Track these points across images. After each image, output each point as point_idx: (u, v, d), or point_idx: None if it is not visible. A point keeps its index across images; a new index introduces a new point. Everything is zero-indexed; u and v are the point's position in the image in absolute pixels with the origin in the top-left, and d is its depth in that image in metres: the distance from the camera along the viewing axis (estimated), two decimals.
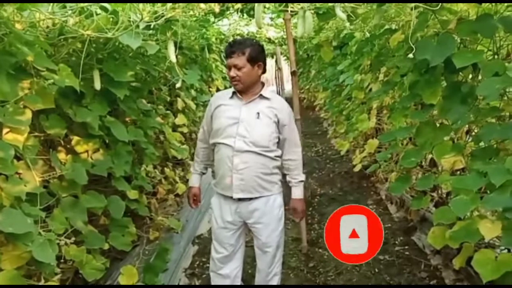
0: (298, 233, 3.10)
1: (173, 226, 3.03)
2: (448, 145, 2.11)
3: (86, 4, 1.74)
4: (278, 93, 8.75)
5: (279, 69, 9.08)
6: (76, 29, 1.81)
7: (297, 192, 2.11)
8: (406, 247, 2.92)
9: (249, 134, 1.96)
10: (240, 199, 2.02)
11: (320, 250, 3.00)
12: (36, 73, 1.77)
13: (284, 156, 2.06)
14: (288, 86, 10.07)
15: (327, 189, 4.40)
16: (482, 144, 1.96)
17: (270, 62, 12.54)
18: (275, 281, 2.20)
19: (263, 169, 1.99)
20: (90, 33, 1.83)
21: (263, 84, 2.06)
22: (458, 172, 2.26)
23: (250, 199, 2.02)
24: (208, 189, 3.29)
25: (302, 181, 2.11)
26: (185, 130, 4.10)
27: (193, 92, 4.42)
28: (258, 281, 2.23)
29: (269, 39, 5.65)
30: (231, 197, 2.02)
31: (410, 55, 1.86)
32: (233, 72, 1.96)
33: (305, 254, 2.94)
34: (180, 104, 3.98)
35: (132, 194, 2.63)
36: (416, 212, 3.18)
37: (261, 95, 2.02)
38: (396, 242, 3.03)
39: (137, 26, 2.05)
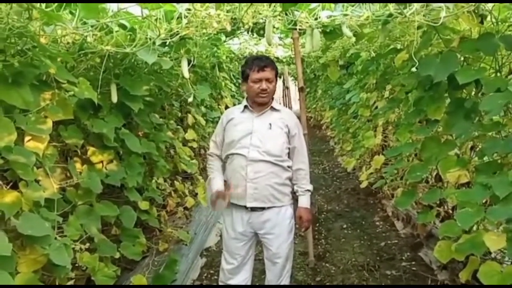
0: (305, 247, 3.12)
1: (182, 238, 3.06)
2: (453, 159, 2.17)
3: (106, 20, 1.85)
4: None
5: (286, 88, 9.23)
6: (96, 44, 1.92)
7: (304, 201, 2.15)
8: (413, 262, 2.93)
9: (262, 144, 2.04)
10: (252, 209, 2.07)
11: (327, 265, 3.01)
12: (57, 85, 1.87)
13: (293, 166, 2.12)
14: (295, 106, 10.18)
15: (333, 205, 4.42)
16: (486, 158, 2.00)
17: (278, 82, 12.75)
18: None
19: (276, 179, 2.05)
20: (110, 48, 1.94)
21: (273, 98, 2.15)
22: (463, 187, 2.29)
23: (263, 208, 2.07)
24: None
25: (309, 190, 2.15)
26: (194, 145, 4.17)
27: (203, 109, 4.52)
28: None
29: (277, 58, 5.77)
30: (244, 207, 2.07)
31: (414, 70, 1.93)
32: (265, 85, 2.06)
33: (312, 268, 2.96)
34: (190, 120, 4.08)
35: (143, 205, 2.69)
36: (422, 228, 3.19)
37: (272, 107, 2.11)
38: (403, 257, 3.04)
39: (154, 43, 2.16)
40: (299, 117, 2.28)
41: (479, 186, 1.80)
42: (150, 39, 2.11)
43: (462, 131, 2.00)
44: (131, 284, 2.33)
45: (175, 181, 3.69)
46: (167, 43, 2.30)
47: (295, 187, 2.15)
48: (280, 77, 12.16)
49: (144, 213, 2.73)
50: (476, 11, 1.75)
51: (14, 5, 1.39)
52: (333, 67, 4.65)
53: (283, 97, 10.05)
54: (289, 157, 2.12)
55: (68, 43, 2.00)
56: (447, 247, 2.26)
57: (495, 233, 1.79)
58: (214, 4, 2.06)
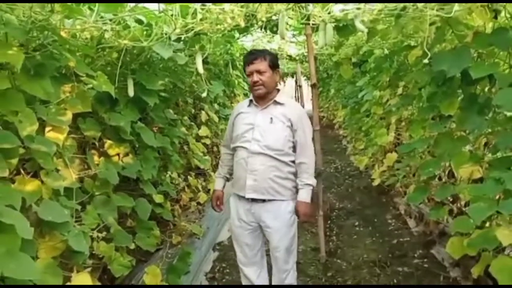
0: (317, 243, 3.13)
1: (195, 231, 3.11)
2: (466, 155, 2.16)
3: (124, 15, 1.90)
4: None
5: (299, 86, 9.22)
6: (114, 39, 1.98)
7: (302, 195, 2.12)
8: (425, 260, 2.92)
9: (263, 138, 2.08)
10: (253, 200, 2.11)
11: (338, 261, 3.03)
12: (76, 79, 1.93)
13: (296, 160, 2.12)
14: (308, 105, 10.16)
15: (345, 203, 4.42)
16: (499, 154, 2.00)
17: (291, 81, 12.71)
18: None
19: (276, 172, 2.08)
20: (127, 42, 1.99)
21: (278, 91, 2.17)
22: (476, 183, 2.28)
23: (263, 201, 2.10)
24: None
25: (309, 184, 2.13)
26: (207, 141, 4.23)
27: (216, 106, 4.57)
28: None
29: (290, 56, 5.79)
30: (245, 197, 2.11)
31: (427, 66, 1.93)
32: (256, 77, 2.09)
33: (323, 264, 2.97)
34: (203, 117, 4.13)
35: (158, 198, 2.74)
36: (435, 225, 3.18)
37: (275, 101, 2.13)
38: (415, 255, 3.03)
39: (169, 38, 2.21)
40: (311, 116, 2.30)
41: (492, 181, 1.79)
42: (165, 34, 2.17)
43: (475, 126, 2.00)
44: (146, 273, 2.38)
45: (188, 177, 3.74)
46: (182, 39, 2.35)
47: (297, 180, 2.14)
48: (293, 77, 12.17)
49: (158, 207, 2.79)
50: (489, 5, 1.74)
51: None
52: (346, 65, 4.64)
53: (295, 96, 10.05)
54: (294, 151, 2.13)
55: (86, 38, 2.07)
56: (460, 243, 2.26)
57: (508, 228, 1.78)
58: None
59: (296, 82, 9.54)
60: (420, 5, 1.59)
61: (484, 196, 1.80)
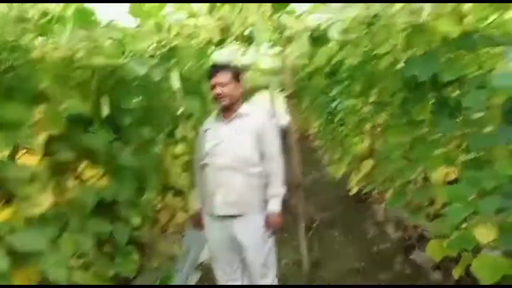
0: (299, 256, 3.12)
1: (176, 253, 3.03)
2: (440, 158, 2.23)
3: (97, 33, 1.86)
4: None
5: (273, 99, 9.29)
6: (88, 57, 1.93)
7: (271, 206, 2.09)
8: (406, 265, 2.96)
9: (229, 151, 2.07)
10: (224, 216, 2.07)
11: (321, 272, 3.02)
12: (49, 99, 1.87)
13: (264, 169, 2.10)
14: (282, 119, 10.22)
15: (324, 214, 4.45)
16: (472, 155, 2.07)
17: (264, 95, 12.79)
18: None
19: (246, 184, 2.05)
20: (101, 60, 1.96)
21: (242, 102, 2.18)
22: (451, 184, 2.34)
23: (234, 216, 2.06)
24: None
25: (279, 194, 2.10)
26: (185, 159, 4.16)
27: (192, 122, 4.52)
28: None
29: (264, 69, 5.84)
30: (215, 214, 2.08)
31: (399, 71, 1.99)
32: (218, 90, 2.09)
33: (306, 276, 2.96)
34: (180, 134, 4.07)
35: (135, 220, 2.66)
36: (413, 231, 3.24)
37: (239, 112, 2.14)
38: (396, 260, 3.06)
39: (143, 54, 2.19)
40: (287, 129, 2.31)
41: (467, 181, 1.85)
42: (140, 50, 2.14)
43: (447, 129, 2.08)
44: None
45: (166, 196, 3.66)
46: (157, 55, 2.34)
47: (267, 190, 2.12)
48: (264, 90, 12.27)
49: (136, 229, 2.70)
50: (456, 11, 1.82)
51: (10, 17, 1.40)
52: (319, 76, 4.74)
53: (269, 109, 10.10)
54: (262, 160, 2.10)
55: (59, 58, 2.01)
56: (439, 245, 2.31)
57: (485, 227, 1.84)
58: (203, 12, 2.10)
59: (270, 95, 9.61)
60: (391, 11, 1.64)
61: (460, 196, 1.86)
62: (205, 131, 2.22)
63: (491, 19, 2.03)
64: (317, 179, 6.23)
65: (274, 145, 2.14)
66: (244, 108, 2.16)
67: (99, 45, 2.03)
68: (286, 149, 3.64)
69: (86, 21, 1.74)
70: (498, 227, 1.73)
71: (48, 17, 1.73)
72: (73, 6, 1.70)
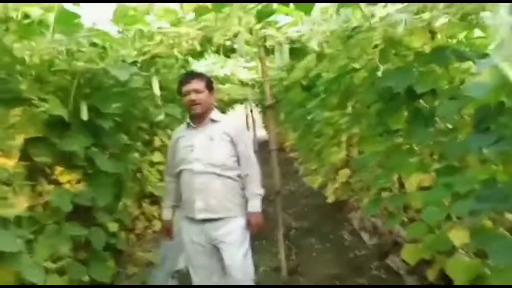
0: (278, 263, 3.14)
1: (152, 260, 2.99)
2: (414, 165, 2.32)
3: (80, 36, 1.86)
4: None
5: (251, 111, 9.38)
6: (69, 61, 1.92)
7: (252, 206, 2.13)
8: (382, 270, 3.02)
9: (204, 156, 2.09)
10: (204, 220, 2.09)
11: (300, 278, 3.04)
12: (27, 102, 1.84)
13: (242, 172, 2.14)
14: (260, 132, 10.24)
15: (302, 222, 4.48)
16: (445, 163, 2.16)
17: (241, 108, 12.83)
18: None
19: (223, 188, 2.09)
20: (82, 64, 1.95)
21: (213, 110, 2.21)
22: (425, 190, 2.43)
23: (213, 220, 2.09)
24: None
25: (258, 194, 2.15)
26: (161, 167, 4.14)
27: (169, 132, 4.51)
28: None
29: (242, 81, 5.91)
30: (195, 219, 2.09)
31: (373, 84, 2.07)
32: (194, 96, 2.11)
33: (285, 283, 2.97)
34: (157, 142, 4.06)
35: (112, 226, 2.62)
36: (388, 237, 3.32)
37: (211, 119, 2.17)
38: (372, 266, 3.12)
39: (124, 61, 2.19)
40: (265, 141, 2.34)
41: (441, 186, 1.92)
42: (122, 56, 2.15)
43: (422, 138, 2.16)
44: None
45: (143, 204, 3.62)
46: (139, 61, 2.35)
47: (245, 192, 2.15)
48: (242, 103, 12.34)
49: (112, 236, 2.66)
50: (428, 27, 1.93)
51: None
52: (296, 89, 4.83)
53: (246, 122, 10.19)
54: (238, 165, 2.14)
55: (39, 60, 1.99)
56: (414, 249, 2.39)
57: (460, 229, 1.92)
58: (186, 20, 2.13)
59: (246, 108, 9.70)
60: (369, 25, 1.72)
61: (435, 200, 1.94)
62: (178, 138, 2.23)
63: (460, 36, 2.15)
64: (294, 190, 6.28)
65: (248, 148, 2.18)
66: (215, 114, 2.19)
67: (80, 49, 2.03)
68: (264, 159, 3.68)
69: (69, 24, 1.73)
70: (470, 230, 1.81)
71: (30, 20, 1.71)
72: (56, 8, 1.69)
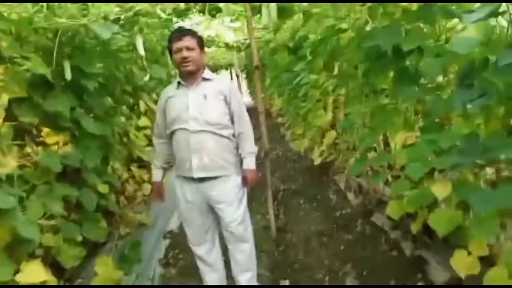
0: (267, 222, 3.23)
1: (144, 221, 3.04)
2: (400, 123, 2.37)
3: None
4: None
5: (236, 76, 9.29)
6: (50, 16, 1.86)
7: (247, 163, 2.17)
8: (367, 226, 3.14)
9: (200, 115, 2.07)
10: (200, 179, 2.11)
11: (288, 235, 3.15)
12: (10, 61, 1.80)
13: (236, 131, 2.16)
14: (245, 99, 10.13)
15: (289, 184, 4.58)
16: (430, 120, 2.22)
17: (227, 73, 12.69)
18: (248, 277, 2.26)
19: (219, 147, 2.10)
20: (64, 21, 1.89)
21: (204, 69, 2.19)
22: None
23: (210, 178, 2.11)
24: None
25: (252, 152, 2.19)
26: (148, 132, 4.12)
27: (154, 96, 4.46)
28: (235, 270, 2.29)
29: (227, 44, 5.81)
30: (192, 178, 2.11)
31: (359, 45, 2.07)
32: (185, 53, 2.07)
33: (275, 239, 3.08)
34: (142, 107, 4.02)
35: (102, 188, 2.63)
36: (373, 196, 3.42)
37: (203, 78, 2.15)
38: (357, 224, 3.24)
39: (107, 18, 2.13)
40: (253, 107, 2.33)
41: (425, 142, 1.98)
42: (104, 13, 2.08)
43: (408, 96, 2.19)
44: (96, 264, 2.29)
45: (131, 168, 3.63)
46: (121, 19, 2.28)
47: (239, 150, 2.18)
48: (227, 69, 12.20)
49: (103, 198, 2.68)
50: None
51: None
52: (282, 51, 4.79)
53: None
54: (232, 123, 2.16)
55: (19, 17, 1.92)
56: (398, 205, 2.48)
57: (442, 183, 2.00)
58: None
59: (231, 73, 9.58)
60: None
61: (419, 156, 2.00)
62: (168, 98, 2.19)
63: None
64: (281, 154, 6.36)
65: (242, 108, 2.19)
66: (207, 73, 2.16)
67: (61, 5, 1.96)
68: (252, 124, 3.70)
69: None
70: (453, 183, 1.88)
71: None
72: None
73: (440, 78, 2.08)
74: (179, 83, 2.16)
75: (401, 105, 2.42)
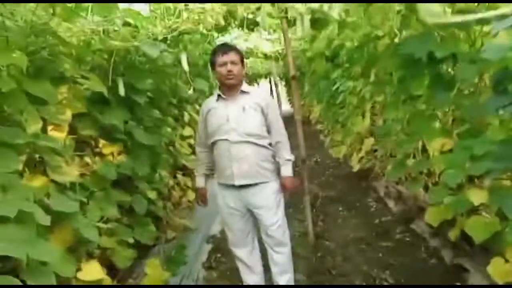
0: (305, 228, 3.30)
1: (189, 226, 3.22)
2: (437, 130, 2.38)
3: (115, 16, 2.01)
4: None
5: (275, 84, 9.43)
6: (105, 40, 2.08)
7: (286, 170, 2.29)
8: (406, 234, 3.13)
9: (240, 127, 2.19)
10: (241, 186, 2.24)
11: (326, 242, 3.20)
12: (72, 80, 2.03)
13: (273, 140, 2.27)
14: (285, 106, 10.21)
15: (328, 192, 4.61)
16: (466, 126, 2.22)
17: (266, 82, 12.86)
18: (287, 279, 2.36)
19: (259, 156, 2.22)
20: (117, 43, 2.10)
21: (242, 82, 2.31)
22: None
23: (250, 185, 2.24)
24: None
25: (289, 159, 2.30)
26: (192, 141, 4.33)
27: (197, 107, 4.68)
28: (274, 272, 2.39)
29: (265, 54, 5.97)
30: (233, 185, 2.25)
31: (396, 51, 2.13)
32: (230, 67, 2.20)
33: (313, 245, 3.14)
34: (187, 117, 4.24)
35: (152, 194, 2.84)
36: (413, 203, 3.40)
37: (241, 91, 2.26)
38: (397, 230, 3.23)
39: (155, 38, 2.33)
40: (291, 115, 2.43)
41: (460, 149, 2.00)
42: (152, 34, 2.29)
43: (443, 101, 2.22)
44: (146, 266, 2.47)
45: (177, 175, 3.85)
46: (167, 39, 2.48)
47: (277, 159, 2.29)
48: (266, 77, 12.38)
49: (152, 204, 2.89)
50: None
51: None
52: (319, 60, 4.87)
53: (271, 95, 10.25)
54: (268, 133, 2.27)
55: (79, 41, 2.16)
56: (437, 211, 2.48)
57: (479, 189, 2.00)
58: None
59: (270, 82, 9.74)
60: None
61: (455, 163, 2.01)
62: (209, 110, 2.32)
63: None
64: (320, 161, 6.39)
65: (278, 118, 2.32)
66: (245, 87, 2.30)
67: (115, 29, 2.18)
68: (289, 133, 3.79)
69: (106, 7, 1.87)
70: (488, 189, 1.89)
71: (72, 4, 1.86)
72: None
73: (475, 84, 2.09)
74: (219, 95, 2.31)
75: (438, 111, 2.43)
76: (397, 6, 2.21)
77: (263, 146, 2.23)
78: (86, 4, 1.96)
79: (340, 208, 4.01)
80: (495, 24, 1.69)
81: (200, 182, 2.50)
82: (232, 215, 2.31)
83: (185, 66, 2.66)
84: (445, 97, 2.17)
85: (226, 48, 2.26)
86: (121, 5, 2.12)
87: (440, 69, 2.30)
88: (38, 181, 1.70)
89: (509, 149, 1.64)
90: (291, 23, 2.98)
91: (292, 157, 2.31)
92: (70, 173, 1.92)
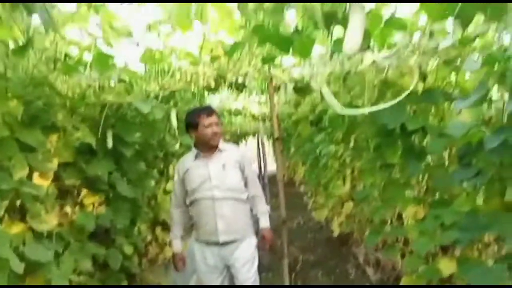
0: None
1: (164, 284, 3.14)
2: (410, 198, 2.49)
3: (112, 74, 2.14)
4: (260, 171, 9.20)
5: (262, 144, 9.60)
6: (99, 94, 2.20)
7: (264, 222, 2.38)
8: None
9: (222, 184, 2.29)
10: (224, 243, 2.26)
11: None
12: (62, 130, 2.10)
13: (250, 194, 2.37)
14: (270, 167, 10.33)
15: (308, 255, 4.59)
16: (437, 196, 2.33)
17: (253, 141, 13.09)
18: None
19: (241, 211, 2.31)
20: (111, 98, 2.22)
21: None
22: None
23: (232, 242, 2.28)
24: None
25: (266, 212, 2.39)
26: None
27: None
28: None
29: (253, 115, 6.20)
30: (216, 242, 2.26)
31: (371, 120, 2.29)
32: (216, 128, 2.34)
33: None
34: (171, 171, 4.28)
35: (127, 249, 2.80)
36: (391, 271, 3.41)
37: (219, 149, 2.38)
38: None
39: (148, 95, 2.47)
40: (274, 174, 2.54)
41: (431, 218, 2.08)
42: (145, 91, 2.42)
43: (414, 171, 2.34)
44: None
45: (155, 230, 3.80)
46: (160, 96, 2.62)
47: (254, 211, 2.38)
48: (254, 135, 12.62)
49: (127, 259, 2.83)
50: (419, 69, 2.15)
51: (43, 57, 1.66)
52: (304, 123, 5.07)
53: (258, 155, 10.41)
54: (245, 187, 2.38)
55: (73, 93, 2.27)
56: (411, 281, 2.50)
57: (448, 259, 2.06)
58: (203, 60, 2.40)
59: (258, 140, 9.95)
60: (360, 68, 1.96)
61: (425, 231, 2.09)
62: (188, 169, 2.39)
63: (449, 78, 2.37)
64: (302, 224, 6.38)
65: (253, 172, 2.46)
66: (221, 145, 2.41)
67: (110, 84, 2.31)
68: (272, 193, 3.85)
69: (105, 64, 2.00)
70: (457, 259, 1.95)
71: (71, 59, 2.00)
72: (93, 50, 1.98)
73: (443, 156, 2.23)
74: (197, 154, 2.39)
75: (411, 180, 2.55)
76: (371, 82, 2.41)
77: (243, 201, 2.30)
78: (85, 60, 2.10)
79: (319, 274, 3.98)
80: (456, 103, 1.88)
81: (176, 246, 2.47)
82: (211, 273, 2.31)
83: (174, 122, 2.78)
84: (417, 167, 2.30)
85: (212, 110, 2.41)
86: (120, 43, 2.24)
87: (412, 140, 2.46)
88: (17, 228, 1.70)
89: (474, 221, 1.74)
90: (277, 88, 3.18)
91: (268, 209, 2.41)
92: (49, 221, 1.93)
